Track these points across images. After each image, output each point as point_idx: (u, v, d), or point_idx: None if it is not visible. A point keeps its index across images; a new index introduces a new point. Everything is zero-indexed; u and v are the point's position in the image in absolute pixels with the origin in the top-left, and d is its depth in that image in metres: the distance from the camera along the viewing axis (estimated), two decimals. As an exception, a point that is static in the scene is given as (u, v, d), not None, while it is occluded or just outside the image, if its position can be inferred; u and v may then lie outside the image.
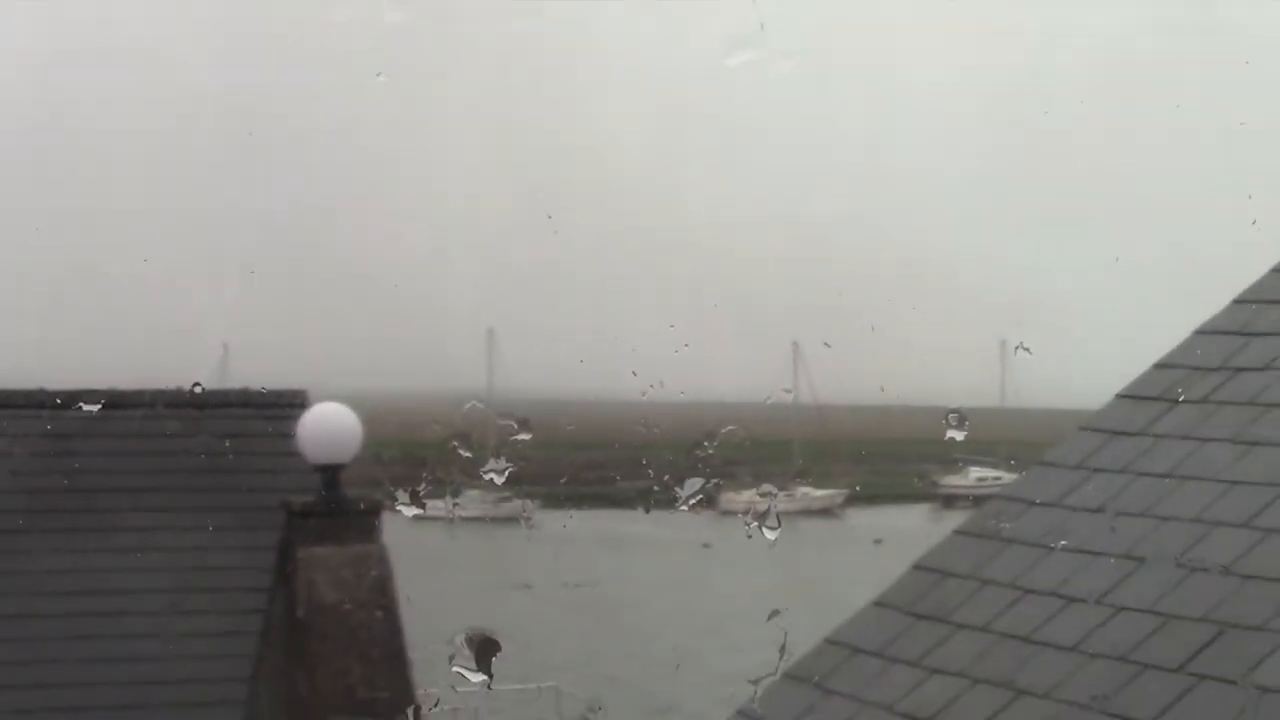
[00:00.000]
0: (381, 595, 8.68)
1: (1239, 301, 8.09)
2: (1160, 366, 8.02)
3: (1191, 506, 6.82)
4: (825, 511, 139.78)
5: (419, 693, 9.97)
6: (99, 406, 15.94)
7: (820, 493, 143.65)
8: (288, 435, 14.96)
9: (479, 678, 7.08)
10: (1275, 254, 8.19)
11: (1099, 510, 7.20)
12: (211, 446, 15.77)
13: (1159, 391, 7.83)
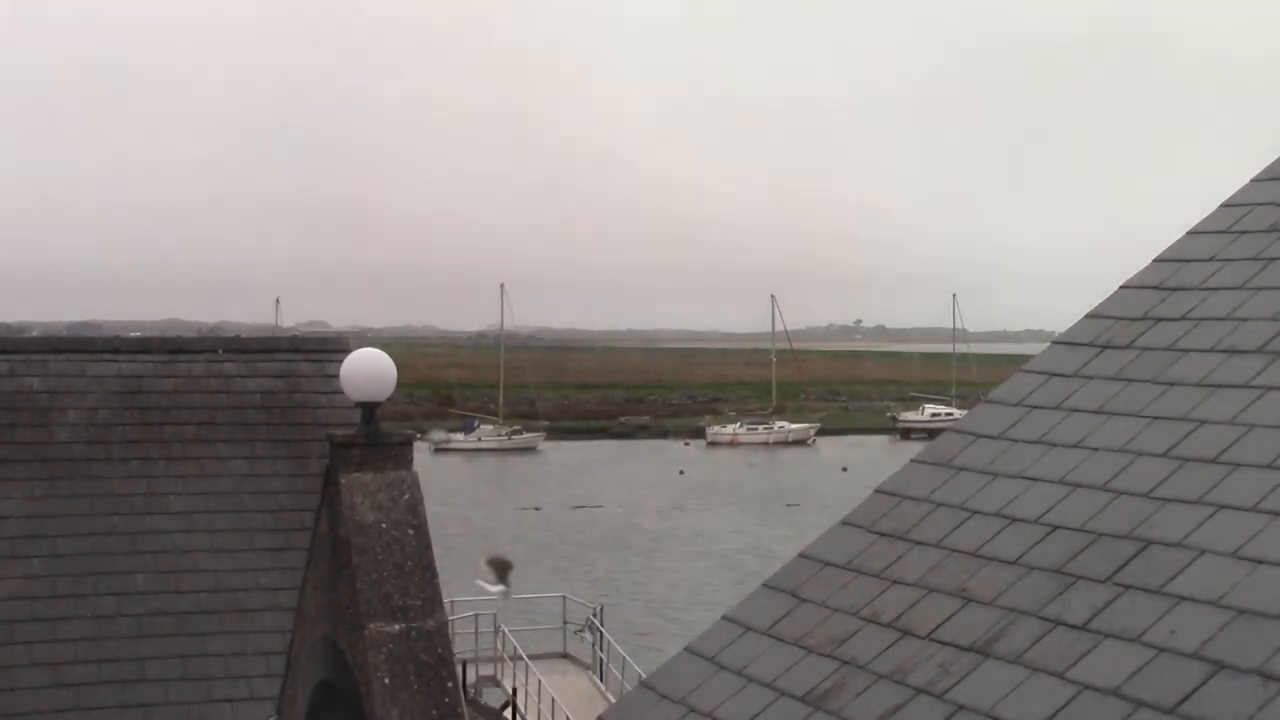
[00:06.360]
0: (413, 515, 8.70)
1: (1159, 260, 8.08)
2: (1090, 316, 8.01)
3: (1117, 439, 6.82)
4: (800, 442, 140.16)
5: (446, 600, 10.02)
6: (167, 352, 15.91)
7: (795, 426, 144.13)
8: (331, 376, 14.96)
9: (498, 589, 7.15)
10: (1190, 219, 8.18)
11: (1037, 442, 7.20)
12: (265, 386, 15.77)
13: (1089, 338, 7.82)
